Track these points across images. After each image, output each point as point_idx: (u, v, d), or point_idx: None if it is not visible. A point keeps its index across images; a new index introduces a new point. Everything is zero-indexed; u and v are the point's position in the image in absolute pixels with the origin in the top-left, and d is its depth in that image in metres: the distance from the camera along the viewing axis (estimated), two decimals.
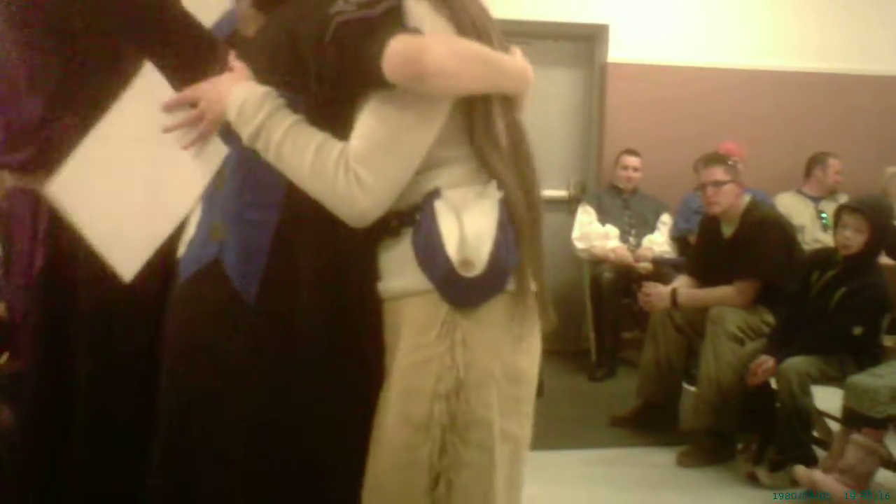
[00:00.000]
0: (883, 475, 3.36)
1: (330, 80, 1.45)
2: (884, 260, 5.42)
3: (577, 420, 4.42)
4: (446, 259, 1.41)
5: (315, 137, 1.44)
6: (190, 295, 1.57)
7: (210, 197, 1.61)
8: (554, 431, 4.20)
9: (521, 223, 1.49)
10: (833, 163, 5.74)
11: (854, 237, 3.49)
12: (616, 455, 3.95)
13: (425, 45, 1.38)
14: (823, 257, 3.68)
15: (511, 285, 1.48)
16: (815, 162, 5.77)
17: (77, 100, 1.71)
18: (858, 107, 6.16)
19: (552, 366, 5.64)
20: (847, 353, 3.49)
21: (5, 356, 2.09)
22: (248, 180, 1.54)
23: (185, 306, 1.58)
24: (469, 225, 1.43)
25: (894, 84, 6.20)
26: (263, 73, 1.54)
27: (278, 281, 1.52)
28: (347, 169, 1.40)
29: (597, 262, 5.43)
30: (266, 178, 1.51)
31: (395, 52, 1.36)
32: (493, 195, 1.46)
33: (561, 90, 6.16)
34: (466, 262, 1.42)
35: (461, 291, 1.43)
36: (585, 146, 6.23)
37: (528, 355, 1.54)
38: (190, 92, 1.58)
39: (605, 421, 4.33)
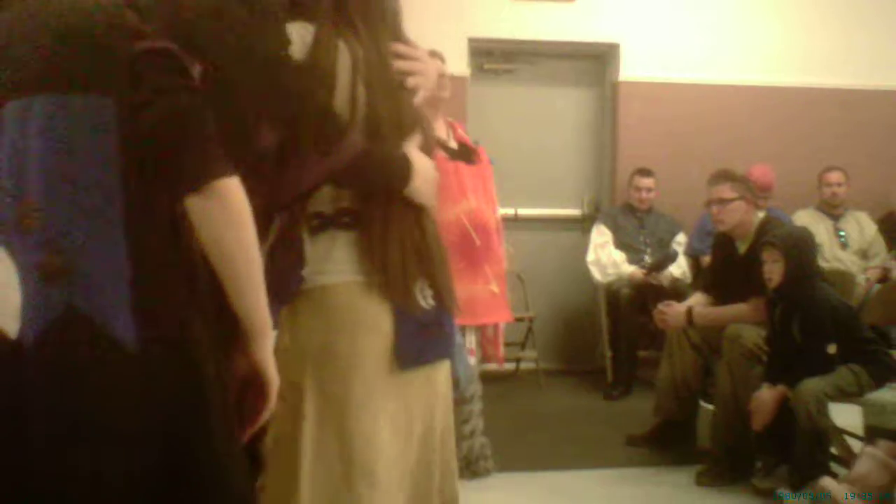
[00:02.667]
0: None
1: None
2: None
3: (593, 440, 4.39)
4: None
5: None
6: (51, 358, 1.27)
7: (18, 237, 1.30)
8: (570, 451, 4.19)
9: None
10: (829, 176, 5.68)
11: (772, 269, 3.58)
12: (633, 474, 3.92)
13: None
14: (774, 294, 3.68)
15: (310, 283, 1.71)
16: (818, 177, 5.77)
17: None
18: (872, 121, 6.13)
19: (568, 385, 5.63)
20: (857, 365, 3.46)
21: None
22: (75, 208, 1.29)
23: (50, 373, 1.27)
24: None
25: None
26: (36, 67, 1.34)
27: (153, 309, 1.30)
28: None
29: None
30: (95, 201, 1.29)
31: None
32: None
33: (573, 109, 6.17)
34: None
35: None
36: (598, 165, 6.23)
37: (354, 337, 1.71)
38: None
39: (622, 440, 4.29)
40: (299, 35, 1.64)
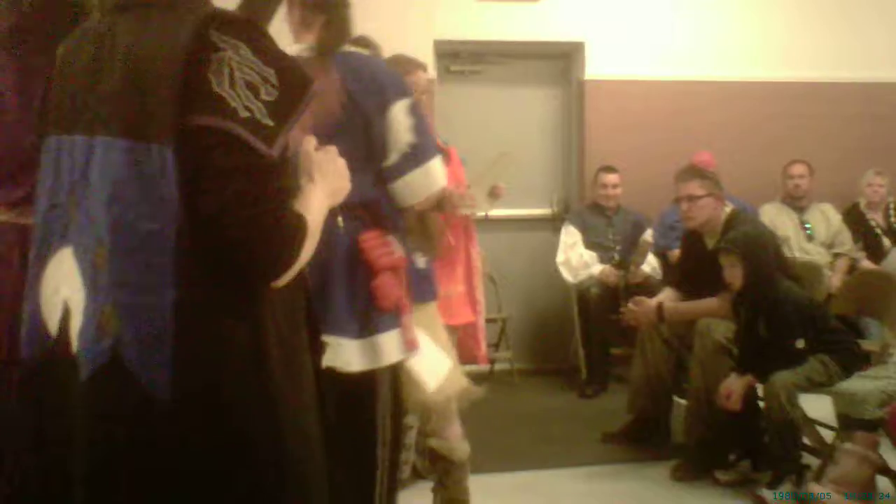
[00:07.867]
0: (883, 484, 3.36)
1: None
2: (865, 263, 5.49)
3: (569, 438, 4.41)
4: None
5: None
6: (94, 402, 1.32)
7: (93, 277, 1.34)
8: (546, 450, 4.20)
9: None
10: (792, 169, 5.75)
11: (732, 273, 3.62)
12: (610, 471, 3.94)
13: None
14: (738, 297, 3.71)
15: None
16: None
17: None
18: (837, 114, 6.18)
19: (542, 385, 5.64)
20: (825, 356, 3.49)
21: None
22: (131, 258, 1.31)
23: (91, 416, 1.32)
24: None
25: (883, 90, 6.23)
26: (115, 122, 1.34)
27: (192, 366, 1.30)
28: None
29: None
30: (149, 253, 1.30)
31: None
32: None
33: (539, 108, 6.19)
34: None
35: None
36: (566, 164, 6.26)
37: None
38: None
39: (598, 438, 4.32)
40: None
